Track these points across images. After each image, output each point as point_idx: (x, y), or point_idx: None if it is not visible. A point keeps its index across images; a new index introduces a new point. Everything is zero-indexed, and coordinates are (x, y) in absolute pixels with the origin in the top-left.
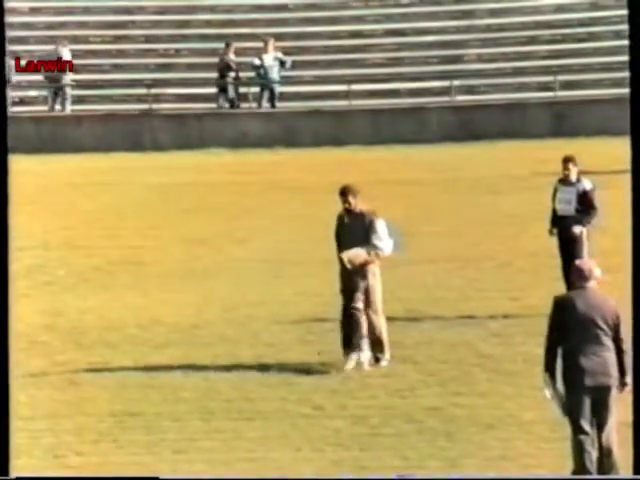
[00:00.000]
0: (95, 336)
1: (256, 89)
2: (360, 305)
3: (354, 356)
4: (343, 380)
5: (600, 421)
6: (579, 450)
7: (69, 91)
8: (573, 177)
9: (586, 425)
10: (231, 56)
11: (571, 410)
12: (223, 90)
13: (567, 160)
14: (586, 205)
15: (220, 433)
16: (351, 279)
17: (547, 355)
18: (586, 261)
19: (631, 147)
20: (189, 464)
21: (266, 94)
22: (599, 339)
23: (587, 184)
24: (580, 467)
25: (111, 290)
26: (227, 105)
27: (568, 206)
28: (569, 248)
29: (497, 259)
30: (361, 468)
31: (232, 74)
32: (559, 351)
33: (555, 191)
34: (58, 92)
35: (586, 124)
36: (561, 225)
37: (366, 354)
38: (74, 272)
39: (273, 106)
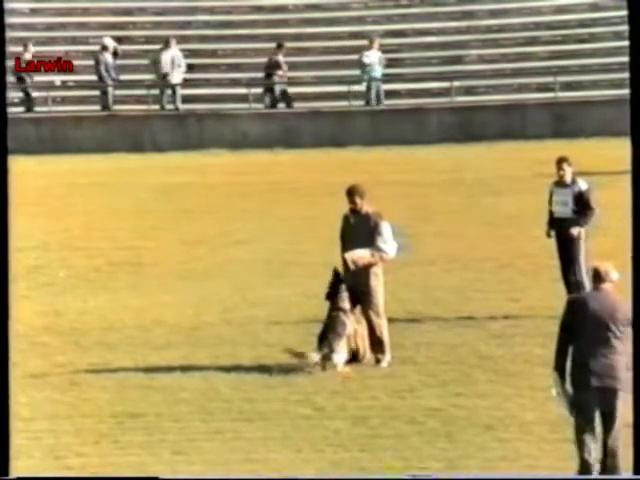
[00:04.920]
0: (95, 337)
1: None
2: (345, 305)
3: (316, 355)
4: (343, 381)
5: (606, 423)
6: (583, 450)
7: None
8: (568, 178)
9: (591, 426)
10: (280, 56)
11: (577, 410)
12: (269, 89)
13: (561, 161)
14: (583, 206)
15: (220, 434)
16: (354, 280)
17: (557, 354)
18: (603, 263)
19: (631, 148)
20: (189, 465)
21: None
22: (609, 341)
23: (583, 185)
24: (584, 468)
25: (111, 291)
26: (273, 103)
27: (565, 208)
28: (567, 250)
29: (497, 260)
30: (361, 469)
31: (280, 73)
32: (569, 351)
33: (551, 193)
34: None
35: (586, 125)
36: (559, 227)
37: (340, 356)
38: (74, 273)
39: (379, 103)
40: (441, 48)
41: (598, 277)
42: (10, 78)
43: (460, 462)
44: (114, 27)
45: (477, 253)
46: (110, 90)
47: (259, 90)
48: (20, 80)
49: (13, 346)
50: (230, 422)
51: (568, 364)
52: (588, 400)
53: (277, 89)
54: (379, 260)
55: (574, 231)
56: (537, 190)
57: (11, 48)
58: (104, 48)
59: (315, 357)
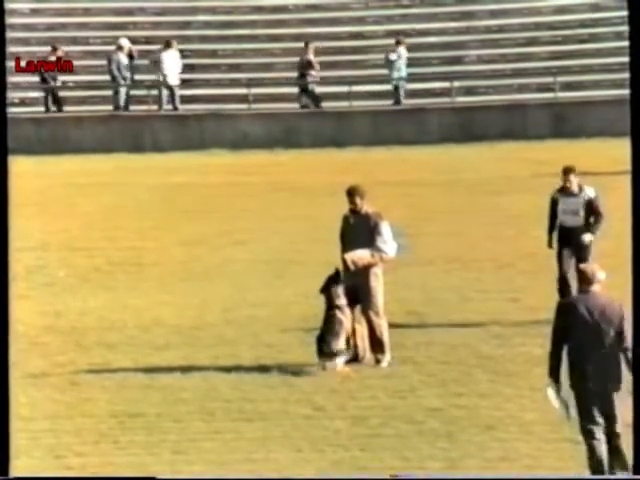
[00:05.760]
0: (95, 337)
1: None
2: (341, 302)
3: (324, 359)
4: (343, 381)
5: (608, 424)
6: (592, 453)
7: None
8: (575, 188)
9: (595, 429)
10: (310, 55)
11: (580, 415)
12: (304, 89)
13: (567, 171)
14: (593, 214)
15: (220, 434)
16: (353, 280)
17: (551, 360)
18: (589, 264)
19: (631, 148)
20: (189, 465)
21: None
22: (602, 343)
23: (590, 192)
24: (595, 470)
25: (111, 291)
26: (309, 104)
27: (575, 217)
28: (577, 257)
29: (497, 260)
30: (361, 469)
31: (313, 72)
32: (564, 356)
33: (555, 202)
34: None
35: (586, 125)
36: (567, 236)
37: (340, 357)
38: (74, 273)
39: (398, 102)
40: (441, 48)
41: (586, 279)
42: (31, 78)
43: (460, 462)
44: (114, 27)
45: (477, 253)
46: (122, 90)
47: (259, 90)
48: (44, 81)
49: (13, 346)
50: (230, 422)
51: (564, 369)
52: (588, 404)
53: (311, 88)
54: (379, 260)
55: (586, 238)
56: (537, 190)
57: (12, 48)
58: (119, 48)
59: (339, 362)
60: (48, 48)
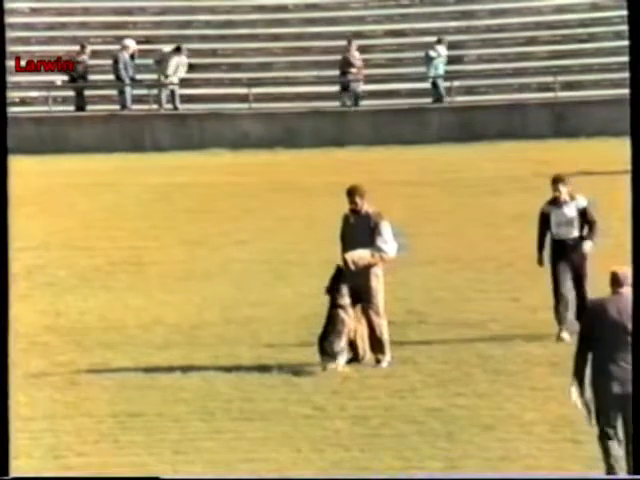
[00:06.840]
0: (95, 337)
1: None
2: (345, 301)
3: (326, 359)
4: (343, 381)
5: (628, 428)
6: (609, 457)
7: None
8: (566, 197)
9: (613, 431)
10: (354, 53)
11: (599, 416)
12: (345, 88)
13: (556, 181)
14: (588, 223)
15: (220, 434)
16: (354, 280)
17: (577, 360)
18: (621, 267)
19: (631, 148)
20: (189, 465)
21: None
22: (629, 346)
23: (583, 201)
24: (609, 470)
25: (111, 291)
26: (349, 102)
27: (570, 228)
28: (577, 268)
29: (498, 260)
30: (361, 469)
31: (354, 70)
32: (589, 357)
33: (544, 216)
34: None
35: (586, 125)
36: (563, 248)
37: (341, 357)
38: (74, 273)
39: (440, 101)
40: None
41: (617, 281)
42: (30, 78)
43: (460, 462)
44: (114, 27)
45: (477, 253)
46: (128, 90)
47: (260, 90)
48: (72, 80)
49: (13, 346)
50: (230, 422)
51: (587, 371)
52: (609, 406)
53: (353, 86)
54: (379, 260)
55: (587, 247)
56: (538, 190)
57: (12, 48)
58: (124, 48)
59: (341, 362)
60: (48, 47)
